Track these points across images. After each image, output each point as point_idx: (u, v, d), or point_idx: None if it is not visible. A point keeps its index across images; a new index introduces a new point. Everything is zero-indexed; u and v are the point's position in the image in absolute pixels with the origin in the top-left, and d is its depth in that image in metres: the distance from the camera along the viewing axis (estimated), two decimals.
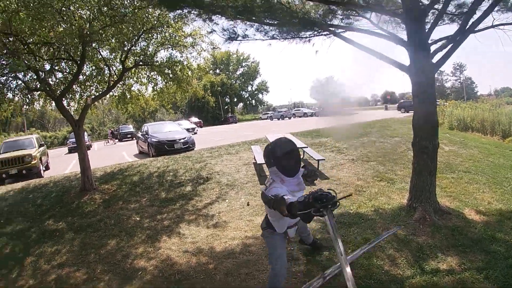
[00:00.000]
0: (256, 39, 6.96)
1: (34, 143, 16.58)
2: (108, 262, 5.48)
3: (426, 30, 6.02)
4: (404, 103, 47.90)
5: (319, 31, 6.87)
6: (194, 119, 51.62)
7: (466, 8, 6.52)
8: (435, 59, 6.10)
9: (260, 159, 9.57)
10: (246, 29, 6.67)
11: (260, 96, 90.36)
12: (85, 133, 31.68)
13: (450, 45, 5.97)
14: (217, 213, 7.00)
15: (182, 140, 16.04)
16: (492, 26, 6.46)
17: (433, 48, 6.14)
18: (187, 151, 14.90)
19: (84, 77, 10.14)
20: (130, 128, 41.03)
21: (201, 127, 48.42)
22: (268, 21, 6.43)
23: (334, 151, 11.84)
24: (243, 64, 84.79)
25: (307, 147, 10.65)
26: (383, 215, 6.14)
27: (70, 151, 31.52)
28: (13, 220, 7.86)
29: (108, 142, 35.58)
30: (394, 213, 6.18)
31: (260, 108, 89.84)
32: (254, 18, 6.24)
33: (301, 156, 11.23)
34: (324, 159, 9.95)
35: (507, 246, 4.91)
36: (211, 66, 76.86)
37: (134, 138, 26.66)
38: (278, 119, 57.65)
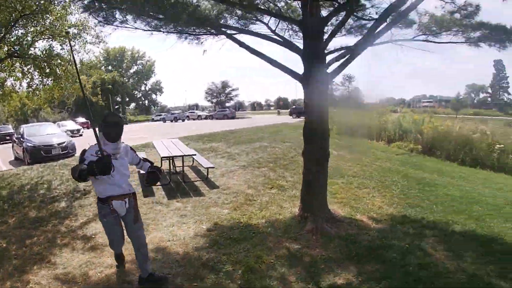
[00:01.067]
0: (136, 28, 6.37)
1: None
2: None
3: (324, 40, 6.06)
4: (296, 108, 51.30)
5: (210, 30, 6.58)
6: (81, 119, 47.93)
7: (366, 28, 6.78)
8: (330, 69, 6.17)
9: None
10: (126, 15, 6.04)
11: (154, 96, 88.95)
12: None
13: (346, 56, 6.06)
14: (93, 234, 6.13)
15: (61, 145, 14.53)
16: (391, 41, 6.73)
17: (328, 58, 6.24)
18: (66, 158, 13.49)
19: None
20: (9, 128, 36.35)
21: (88, 128, 45.27)
22: (153, 13, 5.92)
23: (225, 157, 11.75)
24: (138, 62, 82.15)
25: (195, 154, 10.16)
26: (275, 227, 6.02)
27: None
28: None
29: None
30: (286, 224, 6.12)
31: (153, 109, 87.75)
32: (134, 8, 5.70)
33: (191, 164, 10.84)
34: (213, 167, 9.68)
35: (402, 252, 5.03)
36: (103, 61, 72.96)
37: (10, 141, 23.80)
38: (171, 121, 56.72)
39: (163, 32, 6.52)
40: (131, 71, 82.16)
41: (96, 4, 5.90)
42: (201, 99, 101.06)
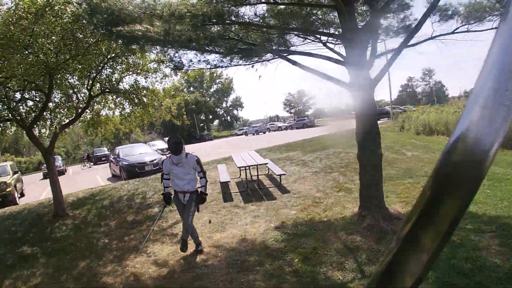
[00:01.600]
0: (200, 68, 7.62)
1: (8, 170, 16.65)
2: (80, 282, 5.86)
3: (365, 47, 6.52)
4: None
5: (264, 56, 7.45)
6: None
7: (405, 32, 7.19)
8: (373, 74, 6.50)
9: (225, 178, 10.08)
10: (191, 60, 7.22)
11: (235, 112, 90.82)
12: (59, 158, 31.37)
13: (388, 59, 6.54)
14: (180, 231, 7.28)
15: (152, 162, 16.30)
16: (431, 38, 7.09)
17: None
18: (158, 173, 15.11)
19: (54, 104, 10.43)
20: (104, 150, 40.46)
21: None
22: (211, 48, 6.94)
23: (299, 164, 12.35)
24: (217, 81, 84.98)
25: (268, 163, 11.11)
26: (335, 225, 6.58)
27: (45, 176, 31.19)
28: None
29: (85, 165, 34.80)
30: (345, 222, 6.60)
31: (235, 124, 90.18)
32: (197, 47, 6.77)
33: (267, 172, 11.73)
34: (285, 174, 10.34)
35: (453, 246, 5.15)
36: (184, 84, 76.94)
37: (107, 161, 26.67)
38: (253, 134, 57.76)
39: (222, 67, 7.62)
40: (211, 90, 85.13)
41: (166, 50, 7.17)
42: (280, 110, 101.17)
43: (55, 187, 9.60)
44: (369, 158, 6.47)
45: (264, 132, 57.40)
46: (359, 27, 6.60)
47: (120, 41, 6.73)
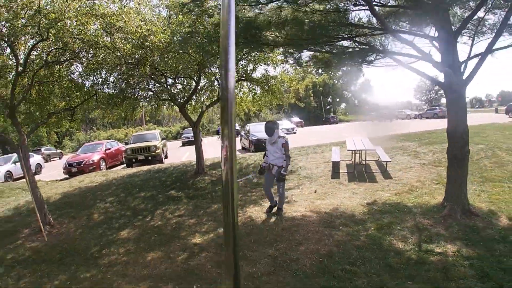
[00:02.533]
0: (312, 66, 9.51)
1: (157, 136, 20.64)
2: (212, 216, 8.29)
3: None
4: None
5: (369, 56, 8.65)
6: (296, 119, 53.45)
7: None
8: (465, 75, 7.05)
9: (335, 158, 11.59)
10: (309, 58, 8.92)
11: (363, 95, 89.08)
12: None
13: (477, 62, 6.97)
14: (290, 195, 9.35)
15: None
16: None
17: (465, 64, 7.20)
18: None
19: (199, 88, 12.91)
20: (236, 126, 44.27)
21: (302, 127, 49.85)
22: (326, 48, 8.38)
23: (410, 155, 13.02)
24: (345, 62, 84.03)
25: (375, 150, 12.26)
26: (418, 209, 7.51)
27: (184, 144, 35.95)
28: (145, 189, 11.06)
29: (219, 138, 38.54)
30: (427, 209, 7.43)
31: (363, 109, 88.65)
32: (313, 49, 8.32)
33: (377, 159, 12.85)
34: (389, 161, 11.32)
35: (510, 246, 5.45)
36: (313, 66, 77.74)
37: (238, 136, 29.54)
38: (379, 121, 55.11)
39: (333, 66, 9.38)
40: (340, 73, 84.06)
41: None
42: (411, 97, 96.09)
43: (199, 151, 12.34)
44: (455, 154, 7.09)
45: (391, 120, 53.83)
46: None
47: (253, 45, 8.35)
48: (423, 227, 6.57)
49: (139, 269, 5.92)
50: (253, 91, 13.86)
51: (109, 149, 20.08)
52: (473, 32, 7.91)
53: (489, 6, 7.51)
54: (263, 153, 8.42)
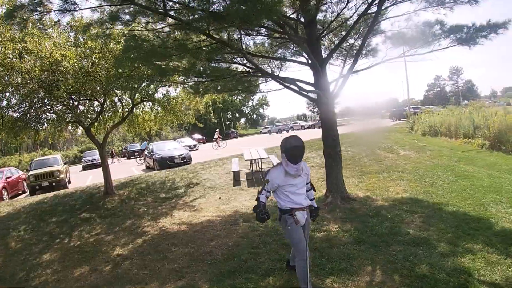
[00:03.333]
0: (213, 93, 10.72)
1: (59, 160, 20.22)
2: (127, 230, 8.82)
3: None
4: (395, 111, 45.07)
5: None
6: (197, 136, 54.08)
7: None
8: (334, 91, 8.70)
9: (235, 168, 12.93)
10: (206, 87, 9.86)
11: (261, 110, 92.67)
12: (96, 152, 34.67)
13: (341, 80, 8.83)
14: (198, 204, 10.39)
15: (180, 156, 19.58)
16: (383, 62, 9.33)
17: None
18: (185, 165, 18.51)
19: (104, 109, 13.17)
20: (137, 146, 43.54)
21: (203, 143, 50.53)
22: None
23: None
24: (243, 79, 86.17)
25: (268, 157, 13.95)
26: None
27: (84, 168, 34.58)
28: (56, 215, 11.14)
29: (114, 161, 38.06)
30: (316, 200, 8.63)
31: (261, 122, 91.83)
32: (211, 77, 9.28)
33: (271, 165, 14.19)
34: None
35: (383, 220, 6.90)
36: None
37: (141, 156, 29.74)
38: (277, 132, 59.19)
39: (229, 91, 10.72)
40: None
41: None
42: (305, 109, 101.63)
43: (106, 171, 12.80)
44: (329, 153, 8.67)
45: (287, 131, 58.33)
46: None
47: (156, 73, 8.97)
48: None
49: (71, 283, 6.26)
50: (155, 110, 14.45)
51: (10, 177, 18.56)
52: (344, 56, 9.96)
53: (357, 35, 9.66)
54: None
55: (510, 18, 7.78)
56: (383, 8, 8.22)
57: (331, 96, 8.69)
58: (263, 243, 6.62)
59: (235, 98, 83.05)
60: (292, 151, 4.26)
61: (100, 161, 14.19)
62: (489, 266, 4.81)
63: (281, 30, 8.45)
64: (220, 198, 10.69)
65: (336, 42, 9.76)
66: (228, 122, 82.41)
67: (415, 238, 5.95)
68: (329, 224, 7.11)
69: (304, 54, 9.49)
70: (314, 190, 5.02)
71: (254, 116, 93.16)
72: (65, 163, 21.06)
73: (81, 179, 22.78)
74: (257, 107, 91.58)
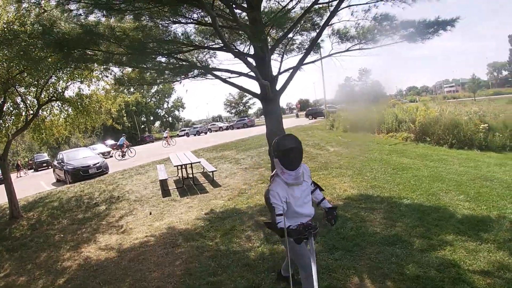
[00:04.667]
0: (139, 84, 9.55)
1: None
2: (44, 268, 6.98)
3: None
4: (311, 110, 49.94)
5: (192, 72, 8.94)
6: (110, 142, 51.10)
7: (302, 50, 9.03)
8: (278, 86, 8.14)
9: (163, 176, 11.51)
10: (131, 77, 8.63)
11: (176, 112, 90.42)
12: None
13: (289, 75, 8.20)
14: (125, 223, 8.79)
15: (96, 165, 17.17)
16: (330, 56, 9.05)
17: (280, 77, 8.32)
18: (101, 175, 16.33)
19: (3, 113, 11.03)
20: (45, 156, 40.10)
21: (117, 149, 47.99)
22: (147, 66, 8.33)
23: (232, 162, 14.07)
24: (158, 81, 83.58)
25: (200, 161, 12.79)
26: (252, 209, 8.15)
27: None
28: None
29: (20, 175, 33.95)
30: (261, 206, 8.12)
31: (177, 125, 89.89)
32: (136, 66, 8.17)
33: (202, 170, 13.15)
34: (215, 170, 11.96)
35: (344, 220, 6.50)
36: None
37: (50, 167, 26.78)
38: (195, 135, 58.38)
39: (156, 84, 9.25)
40: (152, 90, 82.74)
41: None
42: (222, 111, 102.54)
43: (10, 192, 10.57)
44: None
45: (206, 133, 58.19)
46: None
47: (70, 61, 7.72)
48: (263, 223, 6.97)
49: None
50: (65, 112, 12.48)
51: None
52: (283, 50, 9.52)
53: (298, 29, 9.21)
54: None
55: (458, 16, 7.86)
56: None
57: (276, 90, 8.14)
58: (220, 267, 5.51)
59: (149, 100, 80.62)
60: (288, 154, 3.43)
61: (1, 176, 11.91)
62: (471, 255, 4.88)
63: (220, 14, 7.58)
64: (151, 214, 9.18)
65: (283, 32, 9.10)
66: (143, 126, 79.05)
67: (386, 237, 5.70)
68: None
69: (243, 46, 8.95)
70: (321, 188, 4.12)
71: (170, 118, 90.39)
72: None
73: None
74: (172, 109, 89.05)
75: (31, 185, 20.81)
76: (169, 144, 36.08)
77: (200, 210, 8.74)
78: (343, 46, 9.18)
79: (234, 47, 8.96)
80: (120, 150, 28.20)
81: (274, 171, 3.64)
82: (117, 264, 6.40)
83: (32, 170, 37.55)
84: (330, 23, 8.34)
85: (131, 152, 28.39)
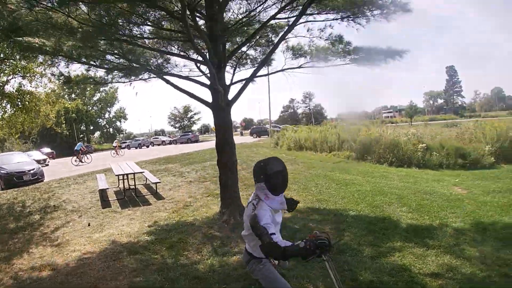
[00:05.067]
0: (87, 83, 8.92)
1: None
2: None
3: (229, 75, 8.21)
4: (255, 129, 52.71)
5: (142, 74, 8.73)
6: (46, 150, 48.58)
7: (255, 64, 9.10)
8: (230, 96, 8.19)
9: (103, 186, 10.93)
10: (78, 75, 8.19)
11: (118, 123, 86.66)
12: None
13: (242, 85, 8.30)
14: (61, 234, 8.12)
15: (31, 172, 16.03)
16: (283, 70, 9.29)
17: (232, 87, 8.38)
18: (37, 183, 15.19)
19: None
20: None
21: (53, 158, 45.62)
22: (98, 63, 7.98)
23: (176, 175, 13.77)
24: (101, 89, 80.00)
25: (144, 172, 12.42)
26: (200, 221, 7.99)
27: None
28: None
29: None
30: (209, 219, 8.05)
31: (118, 137, 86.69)
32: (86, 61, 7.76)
33: (144, 182, 12.73)
34: (159, 182, 11.59)
35: (293, 231, 6.74)
36: (66, 90, 71.59)
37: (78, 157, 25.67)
38: (136, 147, 57.48)
39: (106, 83, 8.77)
40: (95, 98, 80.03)
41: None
42: (165, 125, 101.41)
43: None
44: (225, 163, 7.98)
45: (148, 146, 57.55)
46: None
47: (16, 49, 7.21)
48: (211, 235, 7.03)
49: None
50: (3, 109, 11.60)
51: None
52: (235, 63, 9.72)
53: (252, 43, 9.43)
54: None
55: (408, 49, 8.44)
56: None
57: (229, 100, 8.20)
58: (168, 280, 5.26)
59: (90, 108, 77.34)
60: (277, 178, 3.12)
61: None
62: (420, 259, 5.27)
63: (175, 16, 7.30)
64: (89, 225, 8.59)
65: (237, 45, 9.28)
66: (82, 135, 75.20)
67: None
68: (238, 244, 6.42)
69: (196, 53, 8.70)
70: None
71: (111, 129, 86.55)
72: None
73: None
74: (113, 119, 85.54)
75: None
76: (118, 154, 35.17)
77: (143, 222, 8.38)
78: (295, 62, 9.44)
79: (188, 55, 8.87)
80: (76, 156, 26.87)
81: (253, 196, 3.25)
82: (52, 279, 5.83)
83: None
84: (285, 38, 8.44)
85: (87, 158, 27.39)
